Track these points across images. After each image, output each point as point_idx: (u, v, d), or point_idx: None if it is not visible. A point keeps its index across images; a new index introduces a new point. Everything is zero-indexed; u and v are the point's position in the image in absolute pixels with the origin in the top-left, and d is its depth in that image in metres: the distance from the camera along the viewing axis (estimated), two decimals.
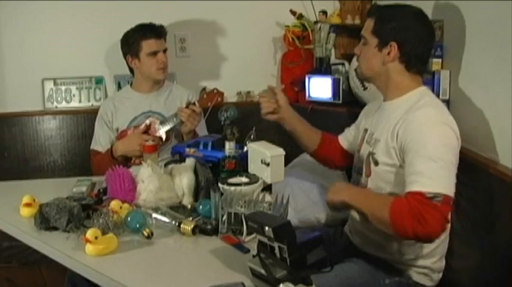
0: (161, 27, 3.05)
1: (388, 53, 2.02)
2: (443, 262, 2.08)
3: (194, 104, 2.84)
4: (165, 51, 3.03)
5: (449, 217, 1.80)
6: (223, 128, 2.28)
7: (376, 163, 2.01)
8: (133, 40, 2.99)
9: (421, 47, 2.04)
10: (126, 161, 2.90)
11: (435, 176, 1.77)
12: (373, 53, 2.05)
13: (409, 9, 2.09)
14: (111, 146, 2.97)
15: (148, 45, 2.97)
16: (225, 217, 1.93)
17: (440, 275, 2.08)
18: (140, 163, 2.77)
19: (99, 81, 3.57)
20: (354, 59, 2.30)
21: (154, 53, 2.97)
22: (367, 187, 2.07)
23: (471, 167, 2.15)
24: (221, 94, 2.87)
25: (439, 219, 1.72)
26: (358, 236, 2.14)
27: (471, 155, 2.19)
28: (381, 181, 2.01)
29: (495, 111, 2.11)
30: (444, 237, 2.02)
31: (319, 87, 3.34)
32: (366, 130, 2.17)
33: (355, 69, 2.28)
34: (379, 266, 2.03)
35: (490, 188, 2.03)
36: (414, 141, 1.86)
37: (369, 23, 2.06)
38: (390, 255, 2.02)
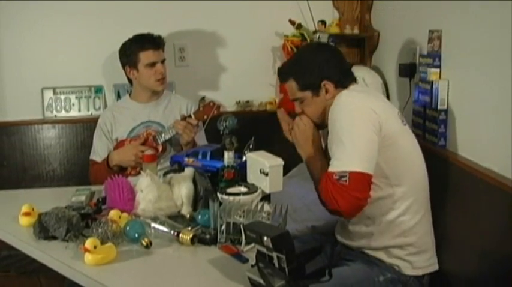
0: (159, 37, 3.05)
1: (326, 91, 2.15)
2: (429, 243, 2.13)
3: (190, 116, 2.84)
4: (163, 61, 3.03)
5: (362, 191, 1.91)
6: (222, 138, 2.28)
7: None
8: (132, 51, 2.99)
9: (340, 63, 2.21)
10: (122, 171, 2.90)
11: (342, 156, 1.94)
12: (315, 103, 2.18)
13: (305, 48, 2.43)
14: (108, 156, 2.97)
15: (146, 56, 2.97)
16: (223, 227, 1.93)
17: (430, 265, 2.10)
18: (136, 174, 2.79)
19: (98, 90, 3.58)
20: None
21: (152, 64, 2.98)
22: None
23: (469, 176, 2.15)
24: (218, 107, 2.86)
25: (347, 198, 1.89)
26: (343, 230, 2.21)
27: (469, 164, 2.20)
28: None
29: (493, 121, 2.11)
30: (420, 216, 2.08)
31: None
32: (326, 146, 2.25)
33: None
34: (373, 264, 2.07)
35: (489, 198, 2.03)
36: (330, 127, 2.04)
37: (291, 86, 2.20)
38: (375, 240, 2.08)
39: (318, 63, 2.16)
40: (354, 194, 1.89)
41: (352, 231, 2.14)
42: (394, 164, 2.03)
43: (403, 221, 2.05)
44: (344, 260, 2.15)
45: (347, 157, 1.93)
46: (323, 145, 2.22)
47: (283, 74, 2.26)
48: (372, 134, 1.97)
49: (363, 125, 1.97)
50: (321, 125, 2.22)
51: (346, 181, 1.89)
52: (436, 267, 2.13)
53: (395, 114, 2.11)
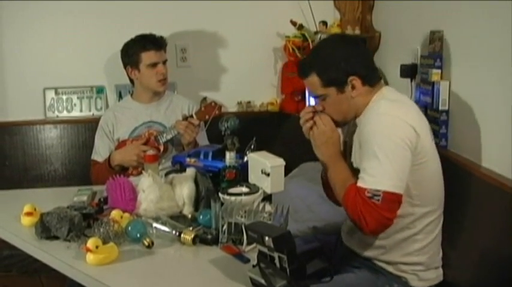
0: (161, 38, 3.06)
1: (353, 88, 1.99)
2: (438, 260, 2.08)
3: (192, 116, 2.85)
4: (164, 62, 3.04)
5: (392, 212, 1.82)
6: (224, 138, 2.29)
7: (358, 172, 1.96)
8: (133, 51, 3.00)
9: (367, 59, 2.07)
10: (123, 171, 2.90)
11: (375, 173, 1.82)
12: (339, 100, 2.02)
13: (329, 40, 2.17)
14: (109, 156, 2.97)
15: (148, 56, 2.98)
16: (225, 227, 1.93)
17: (436, 277, 2.07)
18: (137, 174, 2.79)
19: (100, 90, 3.58)
20: None
21: (154, 65, 2.99)
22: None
23: (470, 177, 2.16)
24: (219, 107, 2.86)
25: (378, 219, 1.79)
26: (352, 237, 2.13)
27: (470, 165, 2.20)
28: None
29: (494, 122, 2.11)
30: (434, 235, 2.02)
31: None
32: (345, 142, 2.16)
33: None
34: (379, 273, 2.03)
35: (490, 198, 2.04)
36: (363, 137, 1.92)
37: (313, 81, 2.03)
38: (384, 254, 2.02)
39: (345, 56, 1.98)
40: (384, 215, 1.80)
41: (363, 241, 2.06)
42: (421, 185, 1.94)
43: (416, 240, 1.99)
44: (349, 267, 2.09)
45: (381, 175, 1.82)
46: (341, 143, 2.12)
47: (305, 68, 2.06)
48: (407, 152, 1.86)
49: (401, 143, 1.85)
50: (342, 123, 2.10)
51: (378, 200, 1.78)
52: (441, 278, 2.08)
53: (428, 129, 1.99)
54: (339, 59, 1.99)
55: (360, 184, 1.84)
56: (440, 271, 2.09)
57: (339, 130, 2.12)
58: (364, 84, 2.00)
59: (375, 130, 1.88)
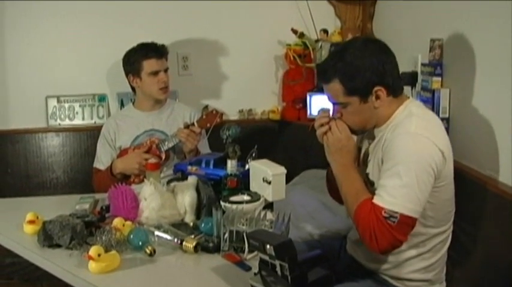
0: (163, 46, 3.07)
1: (377, 98, 1.89)
2: (443, 276, 2.06)
3: (193, 124, 2.86)
4: (166, 70, 3.05)
5: (405, 235, 1.77)
6: (225, 146, 2.29)
7: (372, 184, 1.94)
8: (135, 60, 3.02)
9: (393, 68, 1.92)
10: (125, 179, 2.91)
11: (396, 193, 1.75)
12: (361, 109, 1.92)
13: (355, 45, 1.94)
14: (111, 164, 2.98)
15: (149, 65, 2.99)
16: (226, 235, 1.94)
17: None
18: (139, 182, 2.80)
19: (102, 99, 3.60)
20: None
21: (155, 73, 3.00)
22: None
23: (471, 184, 2.16)
24: (220, 115, 2.86)
25: (390, 240, 1.74)
26: (359, 248, 2.09)
27: (471, 172, 2.21)
28: None
29: (495, 129, 2.12)
30: (442, 254, 1.99)
31: (320, 105, 3.34)
32: (359, 148, 2.10)
33: None
34: (383, 285, 2.01)
35: (490, 205, 2.04)
36: (389, 153, 1.82)
37: (334, 88, 1.91)
38: (390, 269, 1.99)
39: (372, 65, 1.85)
40: (397, 237, 1.74)
41: (369, 254, 2.00)
42: (436, 207, 1.88)
43: (425, 258, 1.95)
44: (352, 276, 2.06)
45: (402, 197, 1.74)
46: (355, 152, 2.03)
47: (328, 73, 1.92)
48: (432, 178, 1.79)
49: (428, 168, 1.77)
50: (359, 132, 2.02)
51: (394, 222, 1.72)
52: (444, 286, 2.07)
53: (451, 149, 1.89)
54: (366, 67, 1.86)
55: (377, 201, 1.77)
56: (444, 285, 2.06)
57: (354, 137, 2.04)
58: (389, 94, 1.90)
59: (403, 149, 1.79)
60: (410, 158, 1.77)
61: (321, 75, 1.98)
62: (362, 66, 1.86)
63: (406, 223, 1.75)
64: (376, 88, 1.87)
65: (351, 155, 1.95)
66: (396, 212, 1.73)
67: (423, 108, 1.99)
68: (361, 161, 2.06)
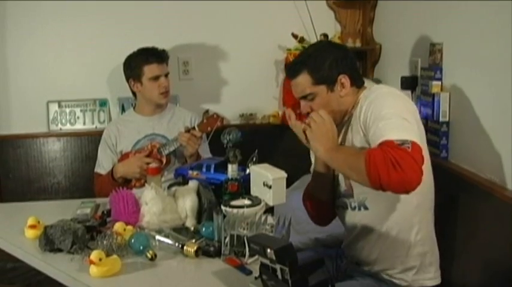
0: (163, 51, 3.08)
1: (342, 87, 2.05)
2: (438, 268, 2.08)
3: (194, 128, 2.87)
4: (166, 75, 3.06)
5: (422, 163, 1.71)
6: (226, 151, 2.29)
7: None
8: (136, 65, 3.03)
9: (354, 62, 2.13)
10: (126, 183, 2.92)
11: (397, 126, 1.79)
12: (328, 99, 2.06)
13: (318, 44, 2.26)
14: (112, 168, 2.99)
15: (150, 70, 3.00)
16: (227, 239, 1.94)
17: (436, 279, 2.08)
18: (140, 186, 2.81)
19: (103, 103, 3.61)
20: None
21: (156, 78, 3.01)
22: (353, 188, 2.07)
23: (471, 188, 2.17)
24: (221, 119, 2.86)
25: (413, 165, 1.67)
26: (359, 250, 2.13)
27: (471, 176, 2.21)
28: None
29: (495, 133, 2.13)
30: (434, 245, 2.05)
31: None
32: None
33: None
34: (382, 282, 2.04)
35: (491, 209, 2.05)
36: (372, 111, 1.88)
37: (303, 80, 2.06)
38: (388, 266, 2.03)
39: (335, 56, 2.05)
40: (418, 162, 1.69)
41: (367, 253, 2.07)
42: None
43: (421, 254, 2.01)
44: (353, 276, 2.11)
45: (403, 129, 1.78)
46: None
47: (295, 67, 2.09)
48: (416, 122, 1.89)
49: (411, 111, 1.90)
50: None
51: (409, 147, 1.70)
52: (439, 281, 2.09)
53: None
54: (330, 58, 2.04)
55: (385, 138, 1.76)
56: (438, 272, 2.09)
57: None
58: (352, 84, 2.06)
59: (384, 102, 1.90)
60: (395, 106, 1.88)
61: (290, 71, 2.14)
62: (327, 57, 2.05)
63: (419, 150, 1.73)
64: (340, 76, 2.04)
65: (336, 139, 1.99)
66: (406, 140, 1.72)
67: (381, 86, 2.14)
68: None
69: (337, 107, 2.06)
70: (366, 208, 2.04)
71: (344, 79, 2.04)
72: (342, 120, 2.09)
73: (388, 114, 1.84)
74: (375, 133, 1.83)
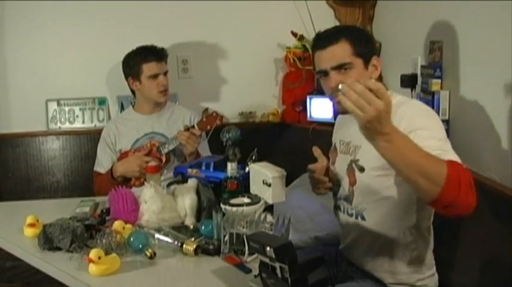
0: (162, 49, 3.08)
1: (375, 68, 1.95)
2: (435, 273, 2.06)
3: (193, 127, 2.86)
4: (165, 73, 3.06)
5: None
6: (225, 149, 2.29)
7: (362, 169, 1.93)
8: (134, 63, 3.03)
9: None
10: (126, 182, 2.91)
11: (451, 149, 1.70)
12: (363, 75, 1.90)
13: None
14: (112, 167, 2.99)
15: (149, 68, 3.00)
16: (227, 237, 1.94)
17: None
18: (139, 185, 2.80)
19: (102, 102, 3.60)
20: None
21: (155, 76, 3.01)
22: (353, 196, 2.00)
23: None
24: (221, 117, 2.87)
25: (475, 192, 1.59)
26: (355, 256, 2.10)
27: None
28: (369, 186, 1.92)
29: (494, 131, 2.12)
30: (431, 247, 2.01)
31: (321, 108, 3.37)
32: (340, 142, 2.11)
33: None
34: (382, 285, 2.02)
35: (490, 207, 2.04)
36: (416, 127, 1.72)
37: (342, 48, 1.89)
38: (385, 270, 2.00)
39: (369, 36, 1.96)
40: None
41: (364, 255, 2.04)
42: None
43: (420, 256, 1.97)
44: (353, 277, 2.07)
45: (455, 153, 1.69)
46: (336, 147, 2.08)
47: (336, 34, 1.91)
48: None
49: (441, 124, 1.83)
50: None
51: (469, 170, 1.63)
52: (436, 280, 2.06)
53: None
54: (366, 36, 1.96)
55: (454, 158, 1.63)
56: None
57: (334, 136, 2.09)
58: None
59: (426, 119, 1.79)
60: (439, 127, 1.79)
61: (327, 37, 1.92)
62: (364, 33, 1.96)
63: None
64: (374, 57, 1.94)
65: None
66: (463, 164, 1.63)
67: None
68: (340, 151, 2.08)
69: None
70: (363, 218, 1.99)
71: (377, 62, 1.95)
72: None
73: (437, 135, 1.73)
74: (431, 144, 1.65)
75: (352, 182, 2.00)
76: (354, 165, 1.98)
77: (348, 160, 2.02)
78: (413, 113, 1.80)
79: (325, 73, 1.94)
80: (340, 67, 1.89)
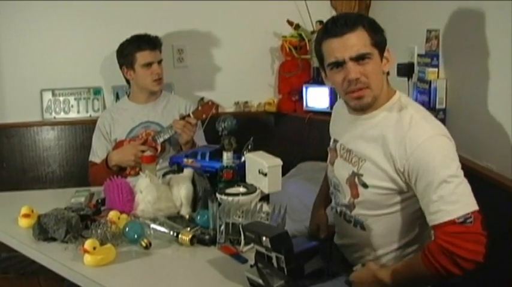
0: (156, 38, 3.06)
1: (387, 60, 1.82)
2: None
3: (189, 115, 2.85)
4: (160, 62, 3.04)
5: (482, 228, 1.63)
6: (221, 139, 2.28)
7: (365, 186, 1.84)
8: (128, 52, 3.01)
9: None
10: (121, 171, 2.90)
11: (456, 197, 1.63)
12: (378, 67, 1.79)
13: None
14: (107, 156, 2.98)
15: (142, 56, 2.99)
16: (222, 227, 1.93)
17: None
18: (135, 174, 2.79)
19: (97, 92, 3.59)
20: None
21: (149, 65, 2.99)
22: (354, 207, 1.92)
23: (467, 175, 2.15)
24: (216, 106, 2.87)
25: (476, 240, 1.61)
26: (349, 254, 2.06)
27: (468, 163, 2.20)
28: (373, 203, 1.85)
29: (491, 120, 2.12)
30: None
31: (317, 97, 3.37)
32: (340, 146, 2.00)
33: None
34: None
35: (487, 196, 2.04)
36: (422, 168, 1.68)
37: (361, 37, 1.75)
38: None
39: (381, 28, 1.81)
40: (482, 233, 1.62)
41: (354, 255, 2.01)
42: None
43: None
44: (348, 268, 2.01)
45: (463, 196, 1.64)
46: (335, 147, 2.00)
47: (354, 20, 1.75)
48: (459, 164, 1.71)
49: (457, 161, 1.70)
50: (366, 106, 1.82)
51: (471, 222, 1.60)
52: None
53: None
54: (380, 26, 1.81)
55: (446, 217, 1.62)
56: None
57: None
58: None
59: (434, 157, 1.67)
60: (445, 161, 1.67)
61: (345, 24, 1.75)
62: (378, 23, 1.80)
63: (479, 218, 1.63)
64: (386, 49, 1.81)
65: (372, 275, 1.73)
66: (468, 213, 1.61)
67: (414, 102, 1.93)
68: (341, 155, 1.99)
69: (381, 83, 1.80)
70: (362, 228, 1.91)
71: (388, 54, 1.81)
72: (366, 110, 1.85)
73: (442, 177, 1.64)
74: (430, 199, 1.66)
75: (355, 195, 1.89)
76: (356, 179, 1.87)
77: (349, 169, 1.90)
78: (417, 152, 1.69)
79: (338, 64, 1.78)
80: (360, 58, 1.75)
